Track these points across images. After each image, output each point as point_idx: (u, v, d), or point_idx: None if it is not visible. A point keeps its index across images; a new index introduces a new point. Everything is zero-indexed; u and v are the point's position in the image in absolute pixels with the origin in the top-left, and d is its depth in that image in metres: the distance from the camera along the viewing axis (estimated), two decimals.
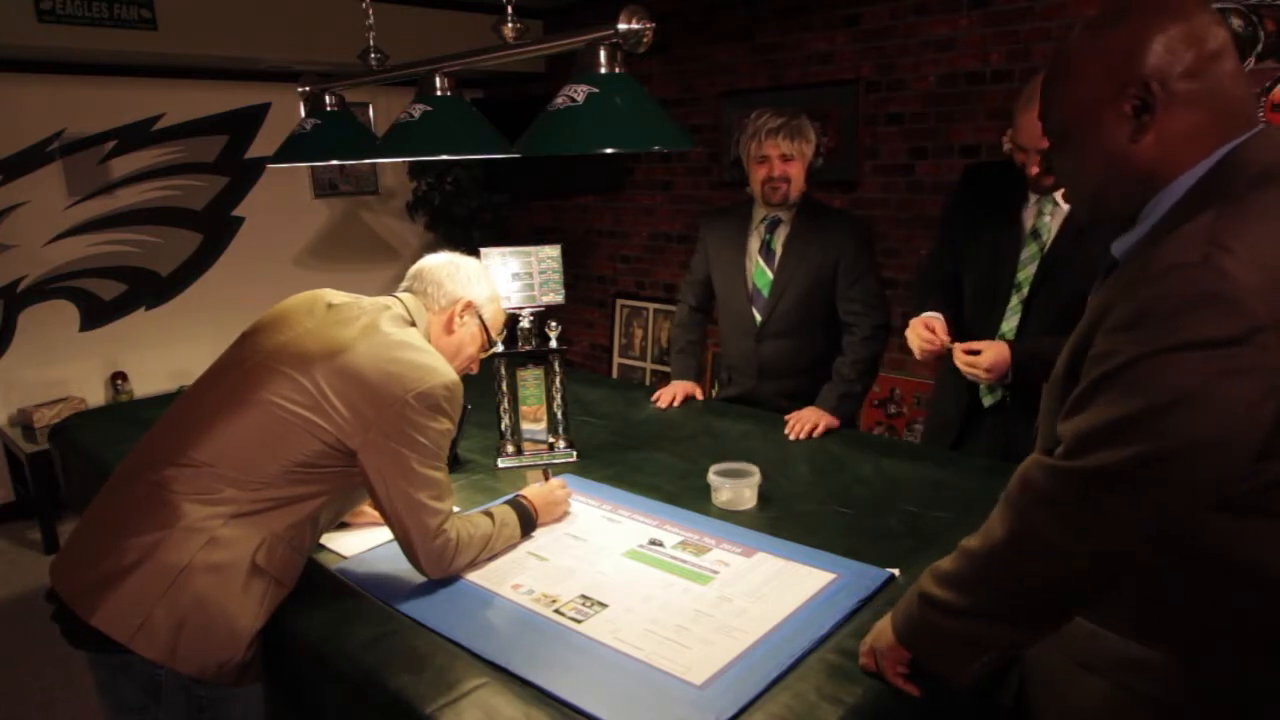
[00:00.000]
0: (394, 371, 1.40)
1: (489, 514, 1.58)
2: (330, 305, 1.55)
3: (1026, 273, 1.94)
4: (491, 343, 1.74)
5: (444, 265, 1.67)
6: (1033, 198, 1.93)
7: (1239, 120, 0.94)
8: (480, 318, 1.68)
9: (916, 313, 2.09)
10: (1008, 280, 1.96)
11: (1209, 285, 0.84)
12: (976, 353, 1.88)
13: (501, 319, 1.77)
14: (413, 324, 1.56)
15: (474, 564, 1.52)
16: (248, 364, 1.45)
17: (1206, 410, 0.85)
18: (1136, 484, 0.88)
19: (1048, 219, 1.91)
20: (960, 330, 2.04)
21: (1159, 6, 0.93)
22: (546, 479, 1.79)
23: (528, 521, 1.64)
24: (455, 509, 1.53)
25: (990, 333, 1.99)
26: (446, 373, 1.45)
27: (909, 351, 2.04)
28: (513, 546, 1.61)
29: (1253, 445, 0.87)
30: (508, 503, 1.65)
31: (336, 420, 1.38)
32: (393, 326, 1.50)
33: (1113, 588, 0.95)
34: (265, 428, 1.37)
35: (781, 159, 2.26)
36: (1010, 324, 1.96)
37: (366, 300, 1.58)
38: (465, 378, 1.59)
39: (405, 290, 1.66)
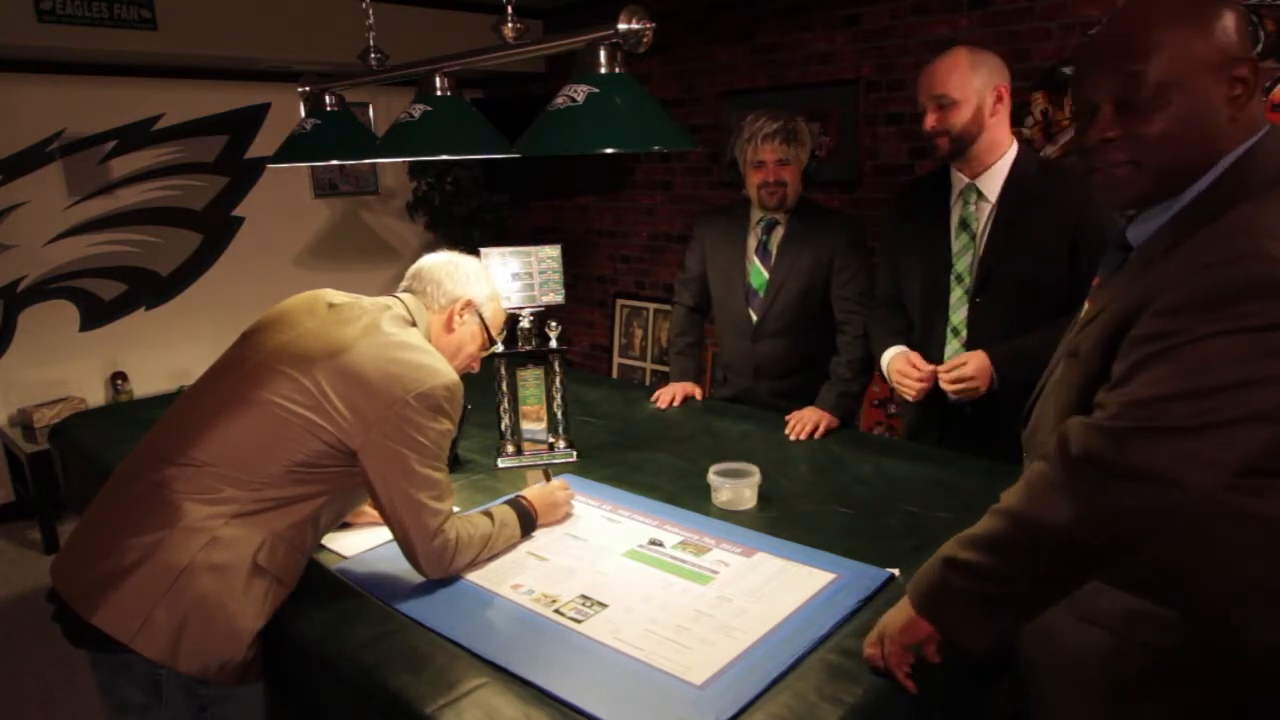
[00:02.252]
0: (394, 372, 1.40)
1: (489, 514, 1.58)
2: (331, 305, 1.55)
3: (964, 263, 1.95)
4: (492, 341, 1.73)
5: (443, 264, 1.67)
6: (955, 191, 1.95)
7: (1257, 114, 1.02)
8: (480, 316, 1.68)
9: (879, 350, 2.11)
10: (946, 274, 1.98)
11: (1265, 274, 0.91)
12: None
13: (502, 318, 1.77)
14: (413, 324, 1.57)
15: (474, 564, 1.52)
16: (248, 364, 1.45)
17: (1261, 389, 0.91)
18: (1186, 442, 0.93)
19: (973, 208, 1.93)
20: (912, 334, 2.08)
21: (1227, 4, 1.01)
22: (548, 479, 1.79)
23: (528, 522, 1.64)
24: (455, 509, 1.53)
25: (940, 328, 2.01)
26: (447, 373, 1.45)
27: None
28: (513, 547, 1.60)
29: None
30: (508, 503, 1.65)
31: (337, 420, 1.38)
32: (393, 326, 1.50)
33: (1144, 546, 0.97)
34: (266, 428, 1.37)
35: (777, 164, 2.26)
36: (959, 315, 1.97)
37: (367, 300, 1.58)
38: (465, 377, 1.60)
39: (405, 290, 1.66)
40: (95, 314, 4.27)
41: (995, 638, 1.08)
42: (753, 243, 2.43)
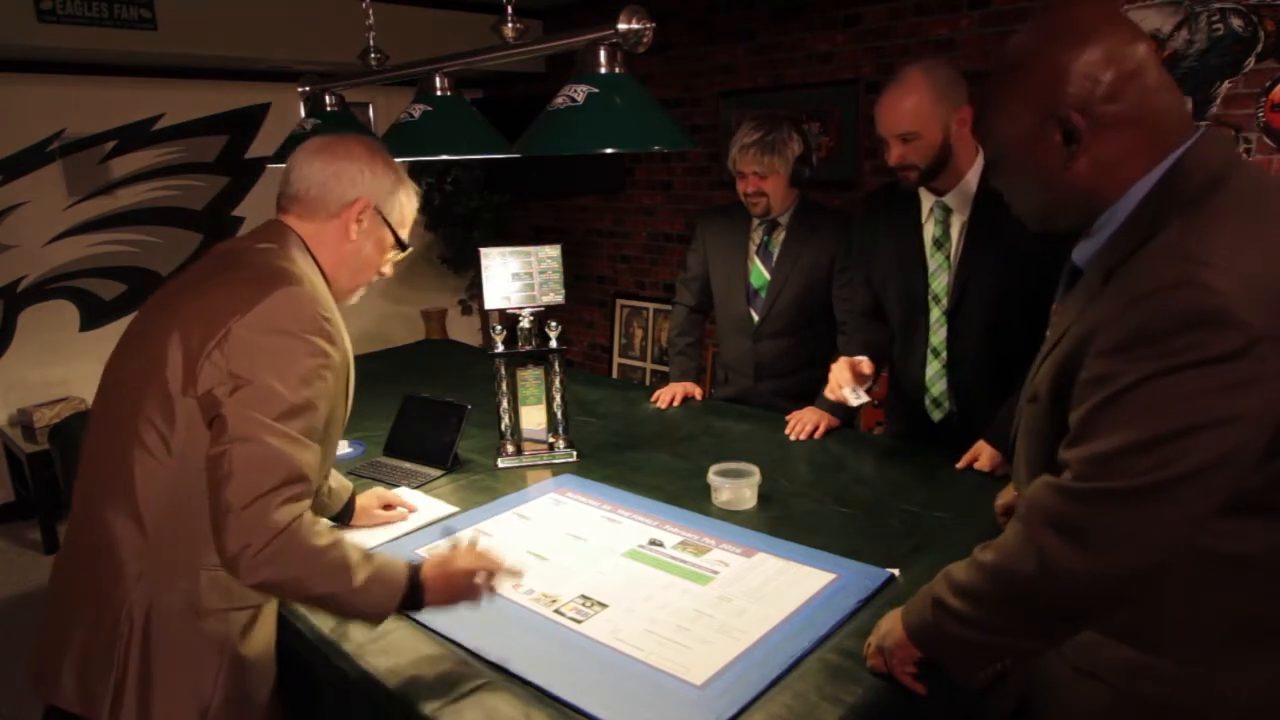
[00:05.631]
0: (227, 298, 1.18)
1: (367, 554, 1.20)
2: (200, 269, 1.31)
3: (940, 283, 1.93)
4: (404, 244, 1.42)
5: (317, 164, 1.33)
6: (927, 208, 1.93)
7: (1175, 128, 0.94)
8: (382, 217, 1.36)
9: (849, 348, 2.12)
10: (923, 294, 1.95)
11: (1200, 303, 0.84)
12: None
13: (411, 211, 1.44)
14: (282, 250, 1.29)
15: (313, 594, 1.16)
16: (134, 380, 1.24)
17: (1216, 429, 0.86)
18: (1151, 503, 0.89)
19: (945, 226, 1.90)
20: (894, 352, 2.08)
21: (1071, 34, 0.93)
22: (454, 546, 1.31)
23: (415, 596, 1.21)
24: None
25: (920, 347, 1.99)
26: (290, 281, 1.20)
27: None
28: (365, 615, 1.21)
29: (1260, 450, 0.88)
30: (407, 563, 1.24)
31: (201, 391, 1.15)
32: (254, 263, 1.24)
33: (1126, 602, 0.96)
34: (163, 450, 1.18)
35: (756, 175, 2.27)
36: (938, 336, 1.96)
37: (235, 245, 1.33)
38: (465, 378, 1.56)
39: (281, 211, 1.36)
40: (95, 314, 4.27)
41: (991, 677, 1.09)
42: (754, 243, 2.43)
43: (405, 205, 1.40)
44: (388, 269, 1.44)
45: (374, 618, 1.21)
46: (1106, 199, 0.97)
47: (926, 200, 1.93)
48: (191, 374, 1.16)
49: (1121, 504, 0.90)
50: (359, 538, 1.66)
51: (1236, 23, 2.77)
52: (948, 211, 1.89)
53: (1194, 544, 0.94)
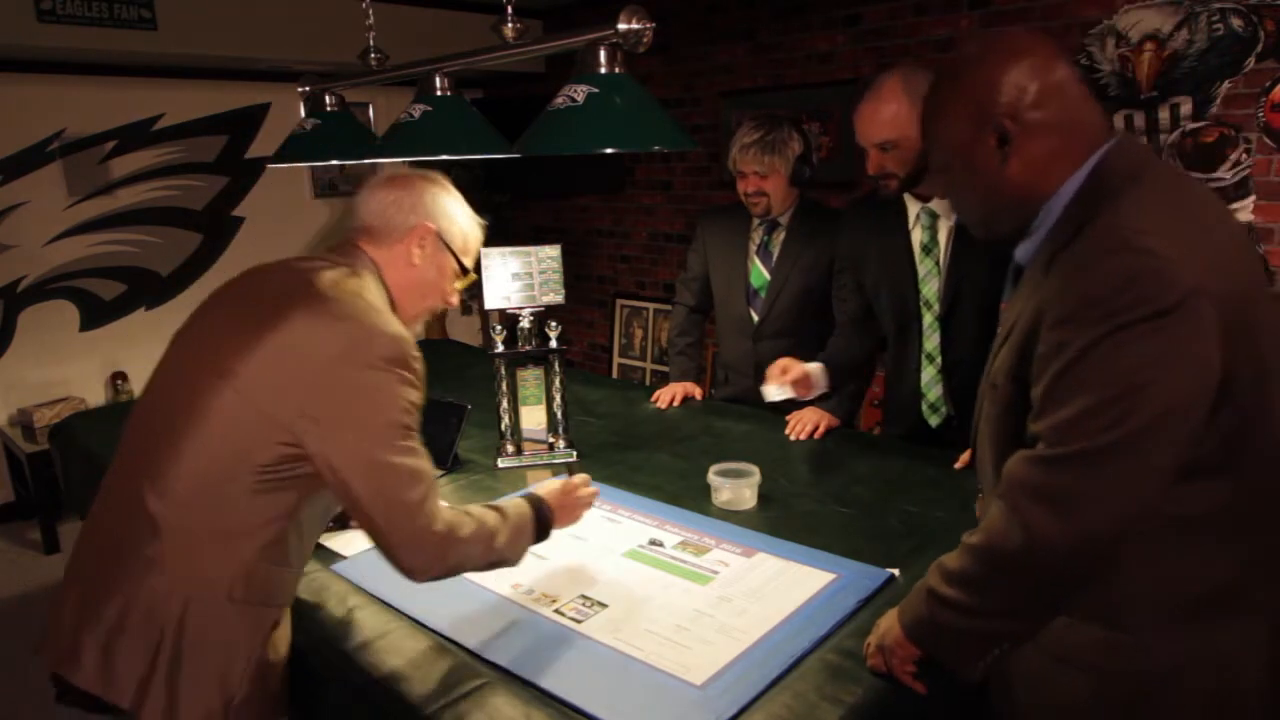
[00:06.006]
0: (330, 338, 1.21)
1: (497, 508, 1.33)
2: (265, 277, 1.34)
3: (930, 288, 1.92)
4: (466, 269, 1.47)
5: (382, 193, 1.40)
6: (913, 214, 1.92)
7: (1095, 133, 1.06)
8: (444, 243, 1.42)
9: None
10: (915, 300, 1.95)
11: (1138, 264, 0.93)
12: None
13: (475, 240, 1.50)
14: (356, 275, 1.33)
15: (480, 567, 1.30)
16: (190, 371, 1.27)
17: (1166, 380, 0.92)
18: (1117, 459, 0.94)
19: (933, 232, 1.90)
20: (889, 358, 2.10)
21: (1004, 51, 1.06)
22: (570, 474, 1.55)
23: (544, 522, 1.39)
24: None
25: (914, 353, 1.99)
26: (393, 327, 1.25)
27: None
28: (526, 551, 1.37)
29: (1210, 396, 0.94)
30: (524, 497, 1.41)
31: (280, 413, 1.19)
32: (335, 288, 1.27)
33: (1107, 566, 1.00)
34: (220, 449, 1.20)
35: (756, 175, 2.27)
36: (932, 342, 1.95)
37: (306, 263, 1.34)
38: (466, 379, 1.56)
39: (346, 240, 1.41)
40: (95, 314, 4.27)
41: (988, 666, 1.10)
42: (754, 243, 2.43)
43: (467, 232, 1.46)
44: (454, 298, 1.49)
45: (516, 562, 1.34)
46: (1041, 197, 1.07)
47: (912, 206, 1.93)
48: (274, 401, 1.19)
49: (1089, 464, 0.95)
50: (359, 538, 1.66)
51: (1236, 23, 2.77)
52: (934, 217, 1.89)
53: (1163, 513, 0.98)
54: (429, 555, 1.20)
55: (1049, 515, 0.97)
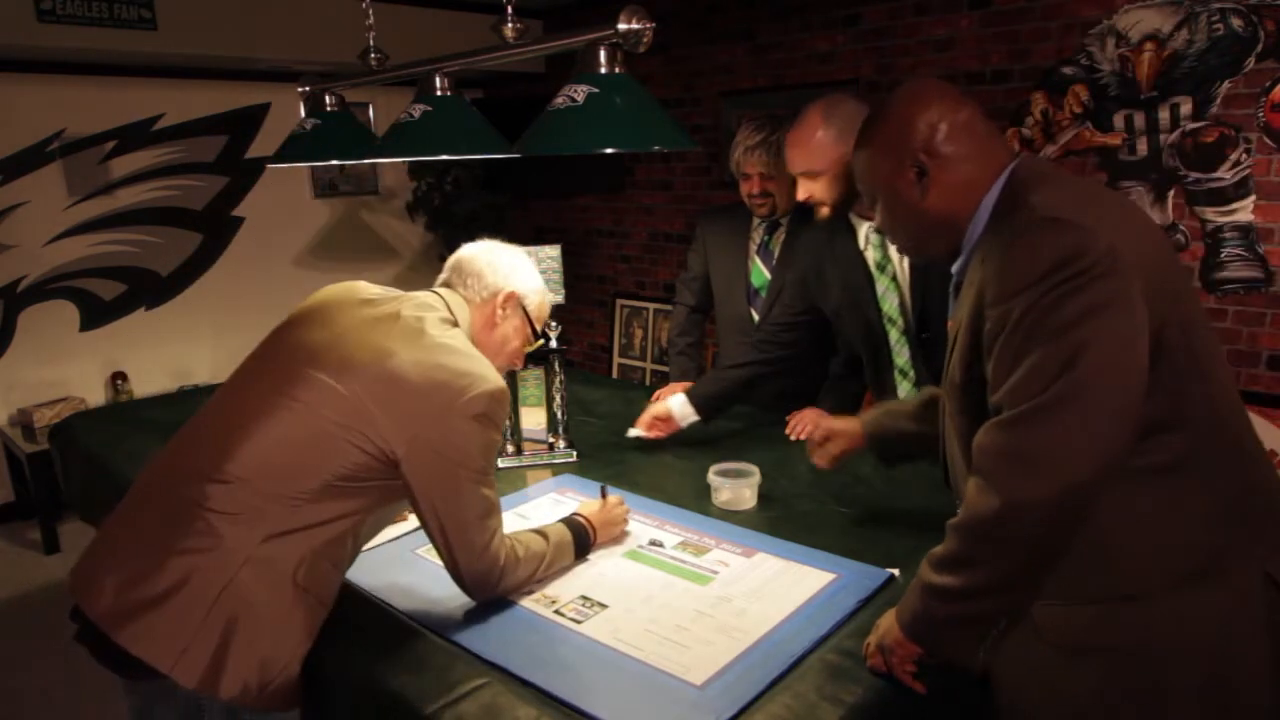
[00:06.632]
0: (440, 379, 1.31)
1: (542, 533, 1.49)
2: (367, 300, 1.45)
3: (891, 304, 1.92)
4: (537, 335, 1.65)
5: (483, 255, 1.57)
6: (862, 232, 1.93)
7: (1001, 159, 1.17)
8: (524, 309, 1.58)
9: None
10: (877, 318, 1.95)
11: (1060, 230, 1.02)
12: None
13: (547, 309, 1.66)
14: (455, 323, 1.46)
15: (525, 587, 1.44)
16: (283, 366, 1.36)
17: (1106, 322, 0.99)
18: (1070, 408, 0.99)
19: (883, 250, 1.90)
20: (866, 378, 2.11)
21: (917, 100, 1.20)
22: (604, 496, 1.67)
23: (583, 542, 1.54)
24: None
25: (886, 371, 1.99)
26: (494, 379, 1.35)
27: None
28: (565, 570, 1.51)
29: (1146, 340, 1.00)
30: (563, 521, 1.56)
31: (380, 430, 1.28)
32: (437, 329, 1.39)
33: (1082, 522, 1.02)
34: (305, 438, 1.28)
35: (761, 177, 2.26)
36: (903, 358, 1.95)
37: (406, 298, 1.47)
38: None
39: (443, 284, 1.57)
40: (95, 314, 4.27)
41: (987, 653, 1.10)
42: (754, 243, 2.43)
43: (544, 303, 1.64)
44: (519, 361, 1.66)
45: (555, 578, 1.50)
46: (963, 220, 1.18)
47: (860, 226, 1.93)
48: (375, 421, 1.29)
49: (1048, 416, 0.99)
50: None
51: (1236, 23, 2.77)
52: (882, 234, 1.89)
53: (1119, 461, 1.01)
54: (489, 582, 1.37)
55: (1021, 475, 1.00)
